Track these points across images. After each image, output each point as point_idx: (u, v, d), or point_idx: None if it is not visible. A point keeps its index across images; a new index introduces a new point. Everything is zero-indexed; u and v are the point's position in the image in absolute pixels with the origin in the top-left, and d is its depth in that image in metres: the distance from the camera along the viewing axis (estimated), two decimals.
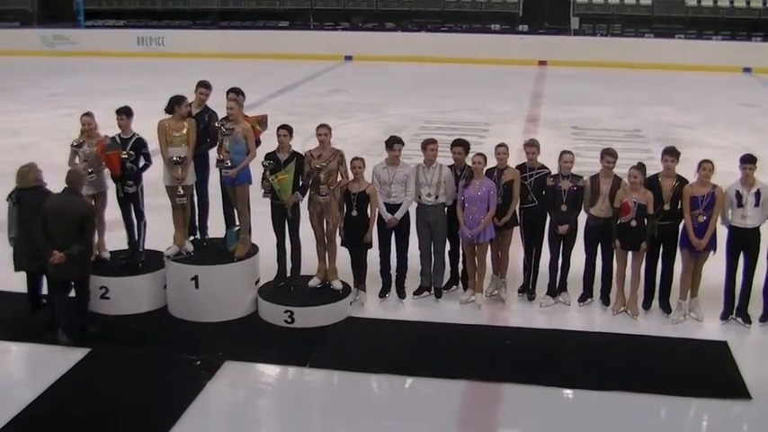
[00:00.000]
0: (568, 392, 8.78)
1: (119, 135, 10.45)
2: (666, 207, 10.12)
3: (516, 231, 10.79)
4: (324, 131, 10.27)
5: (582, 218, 10.59)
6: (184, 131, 10.28)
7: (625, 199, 10.00)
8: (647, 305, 10.53)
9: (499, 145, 10.61)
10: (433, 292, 11.01)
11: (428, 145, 10.65)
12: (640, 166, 10.10)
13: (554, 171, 10.59)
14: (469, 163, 10.46)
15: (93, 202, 10.55)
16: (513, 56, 34.80)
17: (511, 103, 25.86)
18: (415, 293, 10.95)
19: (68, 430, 8.03)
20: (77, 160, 10.42)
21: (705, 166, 9.92)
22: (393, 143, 10.53)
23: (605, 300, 10.66)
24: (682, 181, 10.16)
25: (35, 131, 20.51)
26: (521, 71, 32.97)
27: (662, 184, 10.15)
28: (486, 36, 36.69)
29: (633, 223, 9.99)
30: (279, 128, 10.20)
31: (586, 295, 10.75)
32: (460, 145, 10.67)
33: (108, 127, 10.62)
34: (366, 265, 10.73)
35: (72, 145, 10.48)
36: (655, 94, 28.05)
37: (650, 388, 8.71)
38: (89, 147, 10.39)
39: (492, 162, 10.50)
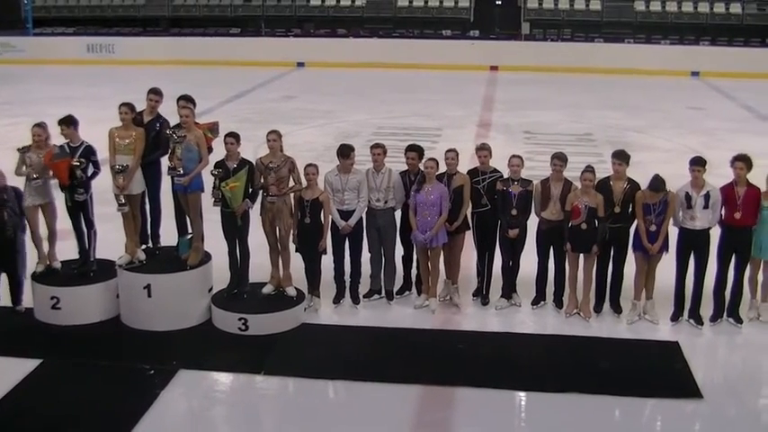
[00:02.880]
0: (522, 395, 8.81)
1: (67, 144, 10.36)
2: (617, 210, 10.21)
3: (469, 236, 10.84)
4: (273, 137, 10.26)
5: (533, 221, 10.65)
6: (131, 140, 10.23)
7: (576, 202, 10.07)
8: (598, 308, 10.60)
9: (448, 150, 10.66)
10: (384, 294, 11.04)
11: (373, 149, 10.70)
12: (591, 169, 10.18)
13: (505, 175, 10.65)
14: (421, 168, 10.48)
15: (42, 213, 10.49)
16: (464, 61, 34.97)
17: (463, 108, 25.99)
18: (365, 296, 10.98)
19: None
20: (24, 167, 10.34)
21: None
22: (349, 152, 10.53)
23: (558, 302, 10.72)
24: (633, 184, 10.26)
25: None
26: (472, 76, 33.13)
27: (613, 187, 10.23)
28: (438, 42, 36.82)
29: (584, 226, 10.06)
30: (226, 136, 10.16)
31: (539, 298, 10.82)
32: (414, 150, 10.70)
33: (58, 136, 10.52)
34: (320, 271, 10.72)
35: (18, 149, 10.37)
36: (605, 98, 28.37)
37: (604, 389, 8.79)
38: (36, 154, 10.30)
39: (443, 167, 10.54)
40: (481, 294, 10.96)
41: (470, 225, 10.72)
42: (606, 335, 10.14)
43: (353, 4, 38.37)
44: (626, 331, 10.22)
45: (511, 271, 10.79)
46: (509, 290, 10.85)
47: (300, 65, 36.52)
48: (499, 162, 10.86)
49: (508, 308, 10.79)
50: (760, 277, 10.36)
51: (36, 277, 10.52)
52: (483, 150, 10.75)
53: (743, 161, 10.00)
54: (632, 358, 9.62)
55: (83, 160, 10.26)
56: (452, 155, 10.58)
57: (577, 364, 9.50)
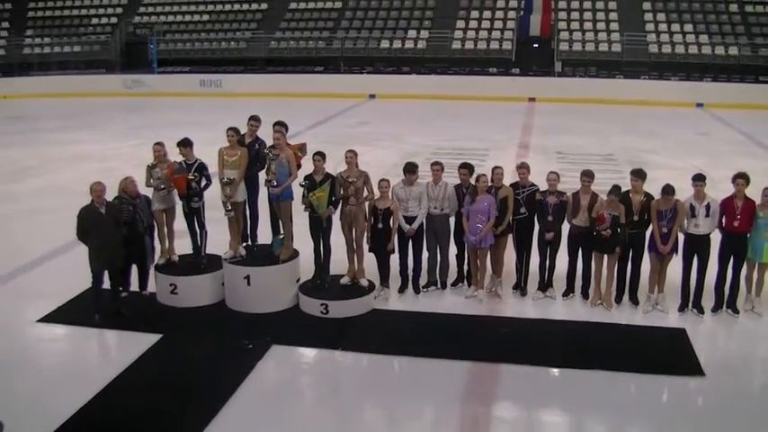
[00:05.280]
0: (555, 371, 8.74)
1: (184, 161, 10.49)
2: (635, 218, 10.09)
3: (510, 238, 10.76)
4: (351, 155, 10.27)
5: (565, 227, 10.57)
6: (237, 157, 10.31)
7: (602, 211, 9.95)
8: (619, 299, 10.45)
9: (496, 167, 10.61)
10: (439, 286, 10.98)
11: (433, 166, 10.69)
12: (616, 189, 10.07)
13: (542, 188, 10.57)
14: (473, 182, 10.43)
15: (165, 216, 10.64)
16: (507, 94, 34.67)
17: (506, 133, 25.74)
18: (424, 287, 10.94)
19: (146, 399, 8.05)
20: (152, 180, 10.52)
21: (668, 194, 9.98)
22: (415, 169, 10.55)
23: (585, 294, 10.60)
24: (648, 196, 10.16)
25: (119, 157, 20.61)
26: (514, 107, 32.84)
27: (632, 199, 10.12)
28: (485, 78, 36.59)
29: (608, 231, 9.93)
30: (314, 154, 10.20)
31: (569, 291, 10.70)
32: (466, 167, 10.67)
33: (175, 154, 10.66)
34: (389, 267, 10.71)
35: (148, 166, 10.60)
36: (625, 125, 27.88)
37: (622, 367, 8.69)
38: (161, 169, 10.48)
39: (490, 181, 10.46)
40: (520, 287, 10.86)
41: (512, 229, 10.63)
42: (625, 322, 9.99)
43: (416, 47, 38.26)
44: (641, 319, 10.09)
45: (547, 269, 10.68)
46: (545, 284, 10.73)
47: (372, 96, 36.52)
48: (536, 177, 10.80)
49: (543, 299, 10.68)
50: (755, 275, 10.18)
51: (158, 268, 10.67)
52: (522, 168, 10.70)
53: (743, 178, 9.95)
54: (646, 342, 9.49)
55: (197, 174, 10.40)
56: (500, 171, 10.52)
57: (601, 346, 9.40)
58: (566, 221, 10.54)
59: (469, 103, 33.87)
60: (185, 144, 10.53)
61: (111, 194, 10.03)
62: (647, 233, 10.21)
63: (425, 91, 35.49)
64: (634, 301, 10.43)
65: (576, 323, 10.01)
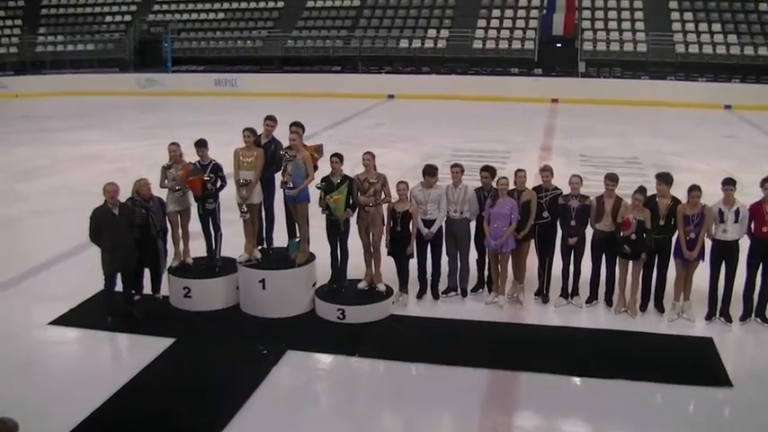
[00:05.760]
0: (577, 380, 8.69)
1: (198, 162, 10.55)
2: (662, 223, 10.04)
3: (532, 243, 10.73)
4: (368, 157, 10.28)
5: (589, 232, 10.53)
6: (253, 158, 10.35)
7: (627, 215, 9.91)
8: (644, 307, 10.40)
9: (519, 170, 10.64)
10: (459, 292, 10.96)
11: (452, 168, 10.69)
12: (642, 190, 10.05)
13: (565, 192, 10.54)
14: (494, 185, 10.41)
15: (179, 217, 10.68)
16: (529, 95, 34.61)
17: (528, 135, 25.68)
18: (443, 293, 10.92)
19: (159, 404, 8.09)
20: (166, 181, 10.58)
21: (694, 195, 9.88)
22: (435, 171, 10.56)
23: (609, 301, 10.56)
24: (675, 201, 10.11)
25: (132, 158, 20.74)
26: (536, 108, 32.77)
27: (658, 204, 10.08)
28: (507, 78, 36.53)
29: (633, 236, 9.89)
30: (332, 156, 10.22)
31: (592, 297, 10.66)
32: (488, 170, 10.69)
33: (190, 154, 10.71)
34: (408, 272, 10.71)
35: (163, 167, 10.65)
36: (650, 127, 27.77)
37: (647, 376, 8.61)
38: (176, 170, 10.53)
39: (511, 184, 10.46)
40: (542, 293, 10.83)
41: (534, 234, 10.61)
42: (649, 330, 9.92)
43: (436, 46, 38.25)
44: (667, 327, 10.02)
45: (571, 275, 10.67)
46: (568, 291, 10.71)
47: (390, 97, 36.56)
48: (558, 180, 10.77)
49: (565, 305, 10.64)
50: None
51: (172, 270, 10.71)
52: (545, 171, 10.68)
53: None
54: (672, 351, 9.41)
55: (212, 176, 10.45)
56: (523, 174, 10.53)
57: (625, 354, 9.31)
58: (589, 226, 10.50)
59: (490, 104, 33.82)
60: (200, 145, 10.59)
61: (123, 196, 10.08)
62: (674, 239, 10.15)
63: (445, 91, 35.48)
64: (659, 308, 10.37)
65: (599, 331, 9.96)
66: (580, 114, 30.81)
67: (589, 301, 10.66)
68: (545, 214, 10.52)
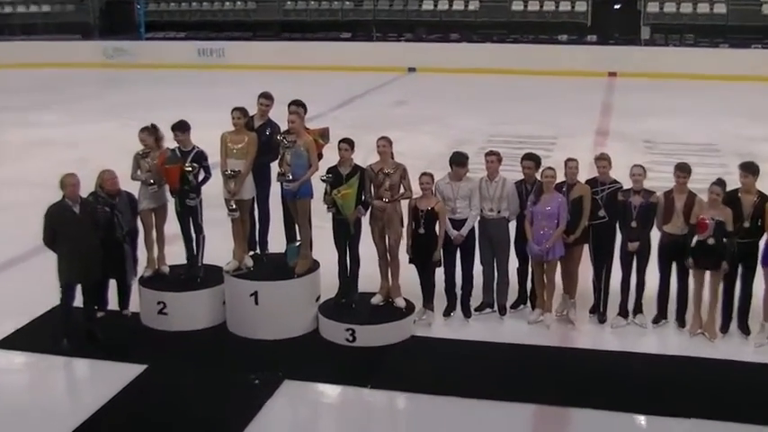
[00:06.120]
0: (641, 418, 8.62)
1: (178, 148, 10.53)
2: (746, 224, 9.94)
3: (585, 249, 10.67)
4: (383, 143, 10.25)
5: (655, 235, 10.43)
6: (243, 144, 10.32)
7: (702, 216, 9.81)
8: (725, 328, 10.32)
9: (569, 159, 10.54)
10: (496, 308, 10.91)
11: (487, 157, 10.63)
12: (721, 183, 9.94)
13: (625, 186, 10.47)
14: (539, 177, 10.35)
15: (153, 216, 10.67)
16: (581, 67, 34.57)
17: (579, 116, 25.64)
18: (476, 309, 10.89)
19: None
20: (139, 171, 10.56)
21: None
22: (465, 161, 10.49)
23: (681, 321, 10.49)
24: (763, 197, 9.97)
25: (94, 143, 20.81)
26: (589, 83, 32.76)
27: (742, 201, 9.97)
28: (553, 47, 36.54)
29: (711, 241, 9.80)
30: (340, 141, 10.20)
31: (660, 316, 10.59)
32: (531, 159, 10.59)
33: (168, 139, 10.70)
34: (433, 284, 10.66)
35: (136, 155, 10.64)
36: (731, 106, 27.64)
37: (729, 415, 8.51)
38: (152, 159, 10.51)
39: (560, 176, 10.39)
40: (598, 311, 10.77)
41: (588, 238, 10.54)
42: (733, 357, 9.82)
43: (466, 9, 38.34)
44: (754, 354, 9.90)
45: (634, 288, 10.59)
46: (628, 308, 10.64)
47: (412, 70, 36.60)
48: (616, 172, 10.69)
49: (626, 326, 10.56)
50: None
51: (143, 281, 10.72)
52: (603, 160, 10.58)
53: None
54: (761, 383, 9.30)
55: (195, 165, 10.42)
56: (574, 164, 10.45)
57: (701, 387, 9.21)
58: (655, 228, 10.42)
59: (533, 78, 33.82)
60: (180, 128, 10.54)
61: (86, 190, 10.07)
62: (761, 243, 10.04)
63: (478, 64, 35.48)
64: (744, 329, 10.30)
65: (669, 357, 9.89)
66: (643, 90, 30.71)
67: (656, 320, 10.60)
68: (601, 213, 10.46)
